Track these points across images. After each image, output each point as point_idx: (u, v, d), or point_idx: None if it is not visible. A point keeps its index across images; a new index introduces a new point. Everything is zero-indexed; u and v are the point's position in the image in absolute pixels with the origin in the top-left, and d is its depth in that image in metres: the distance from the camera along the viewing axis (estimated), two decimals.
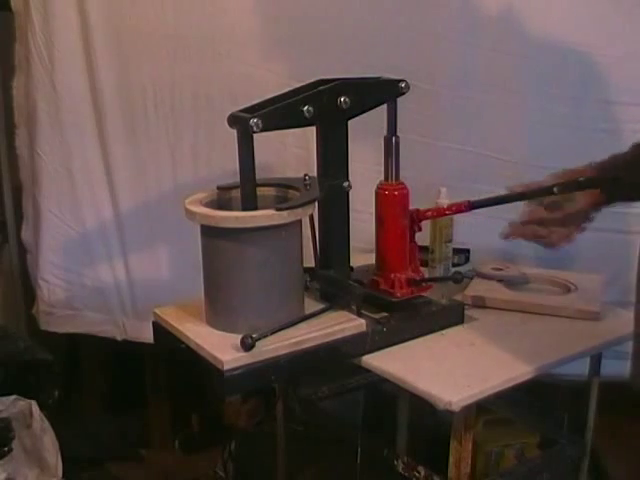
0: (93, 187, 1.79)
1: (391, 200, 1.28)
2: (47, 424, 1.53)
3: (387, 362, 1.20)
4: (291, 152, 1.69)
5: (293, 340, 1.14)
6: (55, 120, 1.74)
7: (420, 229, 1.33)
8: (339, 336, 1.18)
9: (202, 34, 1.66)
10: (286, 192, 1.26)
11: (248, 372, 1.09)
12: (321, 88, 1.21)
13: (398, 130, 1.28)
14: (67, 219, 1.80)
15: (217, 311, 1.19)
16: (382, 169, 1.30)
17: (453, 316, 1.32)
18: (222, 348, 1.10)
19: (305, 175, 1.24)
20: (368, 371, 1.22)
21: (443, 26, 1.59)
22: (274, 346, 1.12)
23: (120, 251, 1.81)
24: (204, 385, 1.15)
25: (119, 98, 1.72)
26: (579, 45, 1.53)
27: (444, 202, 1.48)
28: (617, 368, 1.37)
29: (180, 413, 2.23)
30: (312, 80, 1.26)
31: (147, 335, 1.34)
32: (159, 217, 1.78)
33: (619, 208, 1.29)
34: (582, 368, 1.42)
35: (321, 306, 1.23)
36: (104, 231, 1.81)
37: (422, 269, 1.35)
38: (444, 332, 1.30)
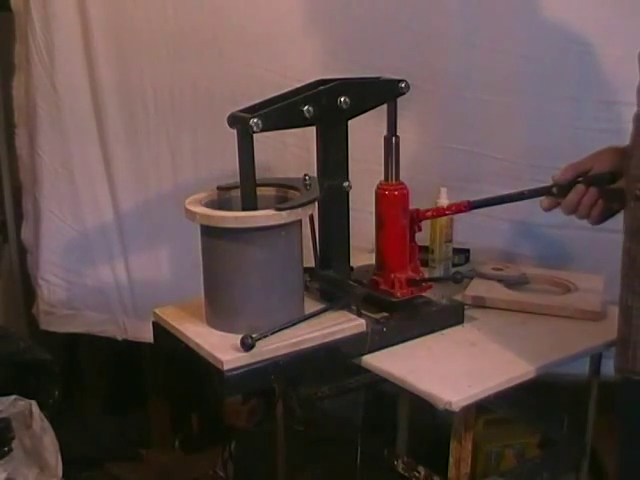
0: (93, 187, 1.79)
1: (391, 200, 1.28)
2: (47, 424, 1.53)
3: (387, 362, 1.20)
4: (291, 152, 1.69)
5: (293, 340, 1.13)
6: (55, 120, 1.74)
7: (420, 229, 1.33)
8: (339, 336, 1.18)
9: (203, 34, 1.66)
10: (286, 192, 1.26)
11: (248, 372, 1.09)
12: (321, 88, 1.21)
13: (398, 130, 1.28)
14: (67, 219, 1.80)
15: (217, 311, 1.19)
16: (382, 169, 1.30)
17: (453, 316, 1.32)
18: (222, 348, 1.10)
19: (305, 175, 1.24)
20: (368, 371, 1.22)
21: (443, 26, 1.59)
22: (274, 346, 1.11)
23: (120, 251, 1.81)
24: (204, 385, 1.15)
25: (119, 98, 1.72)
26: (579, 45, 1.52)
27: (444, 202, 1.49)
28: None
29: (180, 413, 2.23)
30: (312, 80, 1.26)
31: (147, 335, 1.34)
32: (159, 217, 1.78)
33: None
34: (582, 368, 1.42)
35: (321, 306, 1.23)
36: (104, 231, 1.81)
37: (422, 269, 1.35)
38: (444, 332, 1.30)
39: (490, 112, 1.61)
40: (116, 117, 1.74)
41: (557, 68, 1.56)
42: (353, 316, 1.22)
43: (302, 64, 1.60)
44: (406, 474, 1.35)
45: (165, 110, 1.72)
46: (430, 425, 1.74)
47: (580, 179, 1.21)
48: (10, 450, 1.42)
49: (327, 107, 1.20)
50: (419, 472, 1.31)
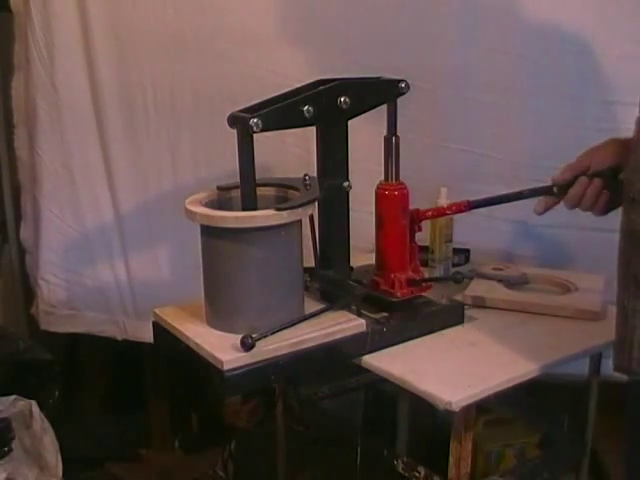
0: (93, 187, 1.79)
1: (391, 200, 1.28)
2: (47, 424, 1.53)
3: (387, 362, 1.20)
4: (291, 152, 1.69)
5: (293, 340, 1.13)
6: (55, 120, 1.74)
7: (420, 229, 1.33)
8: (339, 336, 1.18)
9: (202, 34, 1.66)
10: (286, 192, 1.26)
11: (248, 372, 1.09)
12: (321, 88, 1.21)
13: (398, 130, 1.28)
14: (67, 219, 1.80)
15: (217, 311, 1.19)
16: (382, 169, 1.30)
17: (453, 316, 1.32)
18: (222, 348, 1.10)
19: (305, 175, 1.24)
20: (368, 371, 1.22)
21: (443, 26, 1.59)
22: (274, 346, 1.12)
23: (120, 251, 1.81)
24: (204, 385, 1.15)
25: (119, 98, 1.72)
26: (579, 45, 1.53)
27: (444, 202, 1.48)
28: None
29: (180, 413, 2.23)
30: (312, 80, 1.26)
31: (147, 335, 1.34)
32: (159, 217, 1.78)
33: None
34: (582, 368, 1.42)
35: (321, 306, 1.23)
36: (104, 231, 1.81)
37: (422, 269, 1.35)
38: (444, 332, 1.30)
39: (490, 112, 1.60)
40: (116, 117, 1.74)
41: (557, 68, 1.56)
42: (353, 316, 1.22)
43: (302, 64, 1.60)
44: (406, 474, 1.35)
45: (165, 110, 1.72)
46: (430, 425, 1.74)
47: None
48: (10, 450, 1.42)
49: (327, 107, 1.20)
50: (419, 472, 1.31)
